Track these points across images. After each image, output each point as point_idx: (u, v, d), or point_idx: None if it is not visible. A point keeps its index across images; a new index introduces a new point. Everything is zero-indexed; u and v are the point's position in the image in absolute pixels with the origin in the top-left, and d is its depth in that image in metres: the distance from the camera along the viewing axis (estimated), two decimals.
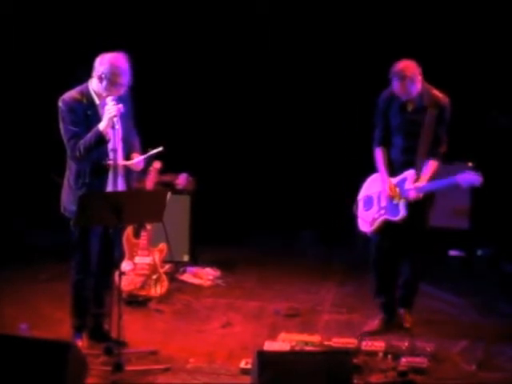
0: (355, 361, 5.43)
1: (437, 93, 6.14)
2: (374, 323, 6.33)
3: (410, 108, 6.13)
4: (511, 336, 6.28)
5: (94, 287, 5.89)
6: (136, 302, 6.90)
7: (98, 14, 9.17)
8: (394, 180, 6.20)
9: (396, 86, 6.04)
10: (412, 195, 6.05)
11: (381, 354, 5.74)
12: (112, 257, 5.74)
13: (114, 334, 5.59)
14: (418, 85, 6.04)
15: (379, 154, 6.28)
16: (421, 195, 6.06)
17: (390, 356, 5.72)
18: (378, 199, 6.29)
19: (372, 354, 5.75)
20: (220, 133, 9.52)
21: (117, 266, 5.79)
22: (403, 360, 5.57)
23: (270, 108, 9.55)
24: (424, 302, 7.03)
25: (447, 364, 5.73)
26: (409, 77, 5.98)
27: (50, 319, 6.40)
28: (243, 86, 9.46)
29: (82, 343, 5.77)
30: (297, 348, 5.79)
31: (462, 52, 8.91)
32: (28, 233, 8.79)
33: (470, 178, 5.90)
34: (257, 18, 9.46)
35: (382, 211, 6.25)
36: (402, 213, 6.13)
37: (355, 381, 5.08)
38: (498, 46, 8.81)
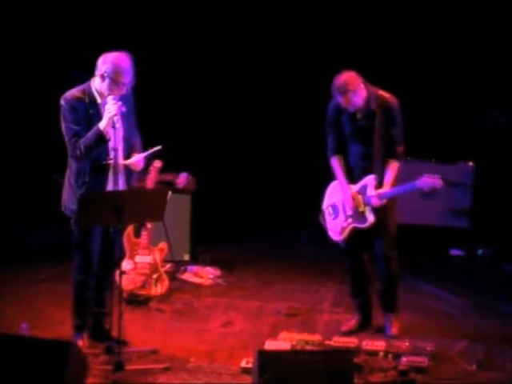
0: (356, 360, 5.42)
1: (384, 94, 6.07)
2: (351, 323, 6.33)
3: (359, 115, 6.07)
4: (511, 336, 6.28)
5: (94, 287, 5.89)
6: (136, 301, 6.90)
7: (98, 14, 9.17)
8: (355, 187, 6.14)
9: (340, 100, 6.00)
10: (375, 202, 6.00)
11: (381, 354, 5.74)
12: (112, 256, 5.74)
13: (114, 334, 5.58)
14: (361, 93, 5.97)
15: (336, 163, 6.22)
16: (384, 201, 6.01)
17: (390, 355, 5.72)
18: (343, 208, 6.22)
19: (372, 353, 5.75)
20: (220, 132, 9.53)
21: (117, 265, 5.79)
22: (403, 359, 5.57)
23: (269, 108, 9.57)
24: (424, 301, 7.05)
25: (447, 364, 5.73)
26: (351, 90, 5.93)
27: (50, 319, 6.40)
28: (243, 86, 9.47)
29: (82, 343, 5.77)
30: (297, 347, 5.79)
31: (461, 52, 8.92)
32: (28, 233, 8.78)
33: (429, 181, 5.87)
34: (257, 20, 9.47)
35: (350, 219, 6.18)
36: (370, 219, 6.08)
37: (356, 380, 5.08)
38: (497, 44, 8.81)
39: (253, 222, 9.24)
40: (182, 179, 8.06)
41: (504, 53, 8.81)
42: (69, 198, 5.70)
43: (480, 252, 8.66)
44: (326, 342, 5.90)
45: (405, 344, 5.83)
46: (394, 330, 6.19)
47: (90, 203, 5.41)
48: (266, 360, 4.88)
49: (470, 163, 8.64)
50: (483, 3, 8.84)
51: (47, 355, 4.78)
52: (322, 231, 9.07)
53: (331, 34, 9.26)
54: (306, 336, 5.97)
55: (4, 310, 6.54)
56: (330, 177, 8.98)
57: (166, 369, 5.52)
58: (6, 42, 9.08)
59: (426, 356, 5.65)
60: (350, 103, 5.98)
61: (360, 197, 6.11)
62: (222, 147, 9.54)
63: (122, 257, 6.66)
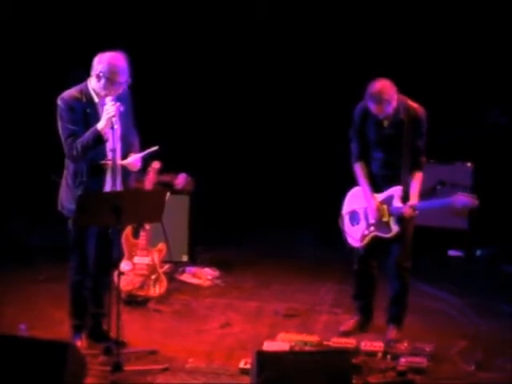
0: (354, 361, 5.43)
1: (412, 104, 6.04)
2: (349, 324, 6.31)
3: (386, 123, 6.02)
4: (510, 336, 6.28)
5: (92, 287, 5.89)
6: (135, 301, 6.90)
7: (96, 13, 9.18)
8: (380, 197, 6.09)
9: (373, 107, 5.94)
10: (408, 213, 5.93)
11: (380, 354, 5.75)
12: (110, 257, 5.74)
13: (113, 334, 5.59)
14: (394, 103, 5.93)
15: (359, 170, 6.16)
16: (417, 213, 5.96)
17: (389, 356, 5.73)
18: (365, 215, 6.17)
19: (371, 354, 5.75)
20: (219, 133, 9.53)
21: (116, 266, 5.79)
22: (402, 360, 5.58)
23: (268, 108, 9.57)
24: (423, 301, 7.05)
25: (446, 364, 5.73)
26: (386, 100, 5.88)
27: (50, 319, 6.40)
28: (242, 86, 9.47)
29: (81, 343, 5.77)
30: (296, 348, 5.79)
31: (462, 52, 8.92)
32: (28, 233, 8.78)
33: (464, 200, 5.82)
34: (256, 20, 9.47)
35: (372, 228, 6.14)
36: (395, 230, 6.03)
37: (354, 381, 5.09)
38: (498, 44, 8.81)
39: (251, 223, 9.24)
40: (181, 180, 8.06)
41: (505, 53, 8.80)
42: (66, 198, 5.69)
43: (479, 253, 8.66)
44: (325, 343, 5.91)
45: (403, 344, 5.83)
46: (392, 336, 6.11)
47: (88, 204, 5.41)
48: (265, 361, 4.88)
49: (469, 164, 8.64)
50: (483, 3, 8.84)
51: (46, 356, 4.78)
52: (321, 231, 9.17)
53: (331, 34, 9.26)
54: (304, 337, 5.97)
55: (3, 310, 6.55)
56: (329, 176, 9.05)
57: (165, 369, 5.52)
58: (5, 42, 9.07)
59: (424, 356, 5.66)
60: (383, 111, 5.93)
61: (385, 207, 6.05)
62: (220, 148, 9.54)
63: (120, 258, 6.66)
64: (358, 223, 6.25)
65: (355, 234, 6.25)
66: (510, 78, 8.75)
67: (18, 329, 5.77)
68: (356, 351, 5.73)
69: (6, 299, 6.81)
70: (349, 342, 5.88)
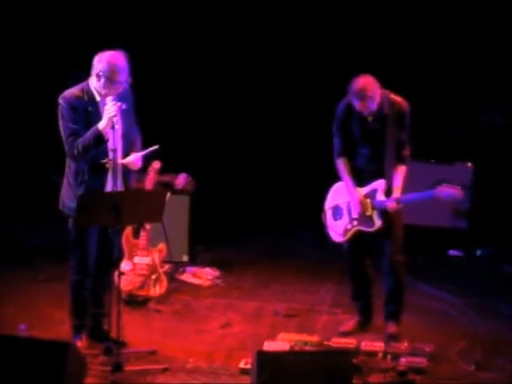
0: (354, 361, 5.42)
1: (396, 98, 6.05)
2: (350, 324, 6.31)
3: (370, 118, 6.05)
4: (510, 336, 6.29)
5: (92, 287, 5.89)
6: (135, 302, 6.90)
7: (97, 13, 9.17)
8: (363, 191, 6.11)
9: (357, 105, 5.96)
10: (392, 207, 5.94)
11: (380, 354, 5.75)
12: (111, 257, 5.74)
13: (113, 334, 5.59)
14: (377, 99, 5.95)
15: (342, 165, 6.18)
16: (401, 206, 5.97)
17: (389, 356, 5.73)
18: (348, 210, 6.19)
19: (371, 354, 5.75)
20: (219, 133, 9.53)
21: (116, 266, 5.79)
22: (402, 360, 5.58)
23: (268, 109, 9.57)
24: (423, 302, 7.05)
25: (446, 364, 5.73)
26: (369, 96, 5.90)
27: (50, 319, 6.40)
28: (242, 86, 9.47)
29: (81, 343, 5.77)
30: (296, 348, 5.79)
31: (462, 52, 8.92)
32: (28, 233, 8.78)
33: (449, 191, 5.82)
34: (257, 20, 9.47)
35: (355, 222, 6.15)
36: (377, 224, 6.04)
37: (354, 381, 5.08)
38: (498, 44, 8.81)
39: (251, 223, 9.24)
40: (181, 180, 8.06)
41: (505, 53, 8.80)
42: (68, 196, 5.70)
43: (479, 253, 8.66)
44: (325, 343, 5.91)
45: (404, 345, 5.83)
46: (392, 330, 6.14)
47: (89, 203, 5.41)
48: (265, 361, 4.88)
49: (469, 164, 8.64)
50: (483, 3, 8.84)
51: (46, 356, 4.78)
52: (320, 231, 9.17)
53: (331, 34, 9.26)
54: (304, 337, 5.97)
55: (3, 310, 6.55)
56: (329, 177, 9.03)
57: (165, 369, 5.52)
58: (5, 42, 9.07)
59: (424, 356, 5.65)
60: (366, 107, 5.96)
61: (368, 201, 6.07)
62: (220, 148, 9.54)
63: (120, 257, 6.66)
64: (340, 218, 6.27)
65: (338, 229, 6.27)
66: (510, 78, 8.74)
67: (18, 329, 5.77)
68: (356, 351, 5.73)
69: (6, 299, 6.81)
70: (349, 342, 5.87)
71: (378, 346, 5.82)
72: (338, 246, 7.96)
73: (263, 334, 6.22)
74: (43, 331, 5.94)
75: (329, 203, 6.37)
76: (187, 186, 8.10)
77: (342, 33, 9.21)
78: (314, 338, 5.96)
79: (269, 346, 5.77)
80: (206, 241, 8.35)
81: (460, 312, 6.92)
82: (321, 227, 9.08)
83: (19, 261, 7.95)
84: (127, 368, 5.42)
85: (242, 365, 5.52)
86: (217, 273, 7.80)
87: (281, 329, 6.24)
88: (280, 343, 5.85)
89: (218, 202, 9.08)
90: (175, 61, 9.42)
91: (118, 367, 5.37)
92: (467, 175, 8.56)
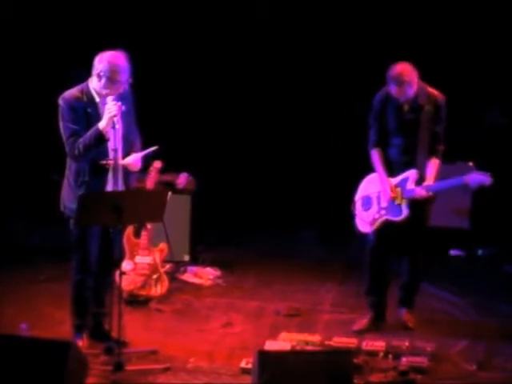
0: (356, 360, 5.42)
1: (432, 91, 6.13)
2: (363, 322, 6.32)
3: (406, 108, 6.11)
4: (511, 336, 6.28)
5: (94, 287, 5.89)
6: (136, 301, 6.90)
7: (97, 13, 9.17)
8: (394, 180, 6.18)
9: (394, 90, 6.03)
10: (422, 194, 6.01)
11: (381, 354, 5.75)
12: (112, 256, 5.74)
13: (114, 334, 5.58)
14: (414, 87, 6.03)
15: (376, 156, 6.24)
16: (431, 193, 6.04)
17: (390, 356, 5.73)
18: (378, 199, 6.26)
19: (372, 353, 5.75)
20: (220, 133, 9.53)
21: (117, 265, 5.79)
22: (403, 360, 5.58)
23: (269, 108, 9.56)
24: (424, 301, 7.03)
25: (447, 364, 5.73)
26: (407, 81, 5.97)
27: (50, 319, 6.40)
28: (243, 86, 9.47)
29: (82, 343, 5.77)
30: (297, 348, 5.79)
31: (462, 51, 8.91)
32: (28, 233, 8.78)
33: (478, 177, 5.88)
34: (256, 20, 9.46)
35: (383, 211, 6.22)
36: (405, 213, 6.11)
37: (356, 380, 5.08)
38: (498, 43, 8.81)
39: (253, 223, 9.24)
40: (182, 179, 8.06)
41: (506, 53, 8.80)
42: (68, 198, 5.69)
43: (480, 252, 8.66)
44: (326, 343, 5.90)
45: (405, 344, 5.83)
46: (409, 323, 6.24)
47: (89, 203, 5.41)
48: (266, 360, 4.88)
49: (470, 163, 8.62)
50: (484, 3, 8.83)
51: (47, 355, 4.78)
52: (321, 231, 9.17)
53: (332, 34, 9.25)
54: (306, 336, 5.98)
55: (4, 310, 6.54)
56: (329, 176, 9.05)
57: (166, 369, 5.52)
58: (6, 42, 9.07)
59: (425, 356, 5.65)
60: (404, 93, 6.01)
61: (399, 190, 6.13)
62: (221, 147, 9.54)
63: (121, 257, 6.66)
64: (369, 208, 6.31)
65: (366, 218, 6.30)
66: (510, 79, 8.74)
67: (19, 328, 5.76)
68: (357, 351, 5.73)
69: (7, 299, 6.81)
70: (350, 342, 5.87)
71: (379, 345, 5.82)
72: (338, 245, 8.01)
73: (264, 334, 6.22)
74: (44, 331, 5.93)
75: (359, 193, 6.42)
76: (188, 186, 8.10)
77: (342, 32, 9.20)
78: (316, 338, 5.96)
79: (270, 345, 5.78)
80: (207, 240, 8.35)
81: (461, 311, 6.92)
82: (321, 227, 9.16)
83: (19, 261, 7.94)
84: (128, 368, 5.42)
85: (243, 364, 5.51)
86: (218, 272, 7.79)
87: (282, 328, 6.23)
88: (281, 343, 5.85)
89: (220, 202, 9.08)
90: (176, 60, 9.41)
91: (119, 367, 5.37)
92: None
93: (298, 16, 9.38)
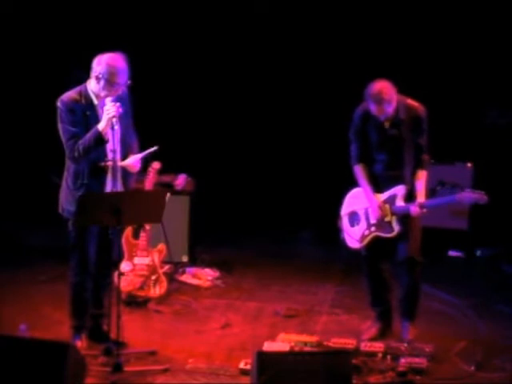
0: (354, 361, 5.42)
1: (412, 103, 6.03)
2: (371, 332, 6.24)
3: (387, 125, 6.02)
4: (510, 336, 6.29)
5: (92, 288, 5.89)
6: (135, 302, 6.90)
7: (96, 14, 9.18)
8: (382, 196, 6.08)
9: (373, 108, 5.94)
10: (416, 211, 5.90)
11: (380, 355, 5.74)
12: (110, 257, 5.74)
13: (113, 335, 5.59)
14: (394, 103, 5.93)
15: (360, 172, 6.14)
16: (425, 211, 5.93)
17: (389, 356, 5.73)
18: (366, 215, 6.16)
19: (371, 354, 5.75)
20: (219, 134, 9.53)
21: (116, 266, 5.79)
22: (402, 360, 5.58)
23: (268, 109, 9.56)
24: (423, 302, 6.99)
25: (446, 364, 5.74)
26: (386, 100, 5.87)
27: (50, 320, 6.40)
28: (242, 86, 9.46)
29: (81, 344, 5.77)
30: (296, 348, 5.80)
31: (462, 52, 8.92)
32: (28, 233, 8.78)
33: (472, 196, 5.82)
34: (256, 16, 9.45)
35: (373, 228, 6.13)
36: (397, 229, 6.02)
37: (354, 381, 5.08)
38: (498, 44, 8.81)
39: (252, 223, 9.24)
40: (181, 180, 8.06)
41: (506, 53, 8.80)
42: (66, 200, 5.70)
43: (479, 253, 8.66)
44: (325, 343, 5.91)
45: (403, 345, 5.83)
46: (409, 336, 6.10)
47: (88, 204, 5.41)
48: (265, 361, 4.88)
49: (469, 164, 8.64)
50: (484, 3, 8.84)
51: (46, 356, 4.78)
52: (320, 232, 9.17)
53: (331, 31, 9.24)
54: (304, 337, 5.98)
55: (3, 310, 6.54)
56: (328, 176, 9.05)
57: (165, 370, 5.53)
58: (4, 42, 9.08)
59: (424, 357, 5.66)
60: (383, 112, 5.93)
61: (387, 206, 6.04)
62: (220, 148, 9.54)
63: (120, 258, 6.66)
64: (358, 224, 6.23)
65: (355, 235, 6.23)
66: (510, 79, 8.74)
67: (18, 329, 5.76)
68: (356, 352, 5.73)
69: (6, 299, 6.81)
70: (349, 343, 5.88)
71: (378, 346, 5.82)
72: (338, 246, 7.98)
73: (263, 335, 6.22)
74: (43, 332, 5.94)
75: (345, 209, 6.32)
76: (187, 187, 8.10)
77: (342, 30, 9.19)
78: (314, 339, 5.96)
79: (269, 346, 5.78)
80: (205, 241, 8.35)
81: (460, 312, 6.92)
82: (321, 228, 9.16)
83: (19, 261, 7.95)
84: (127, 368, 5.43)
85: (241, 365, 5.52)
86: (217, 273, 7.80)
87: (281, 329, 6.23)
88: (280, 344, 5.86)
89: (218, 203, 9.08)
90: (175, 59, 9.41)
91: (117, 368, 5.37)
92: (467, 175, 8.57)
93: (298, 12, 9.35)
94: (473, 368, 5.64)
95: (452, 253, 8.72)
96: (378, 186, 6.11)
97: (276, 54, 9.44)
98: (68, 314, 5.95)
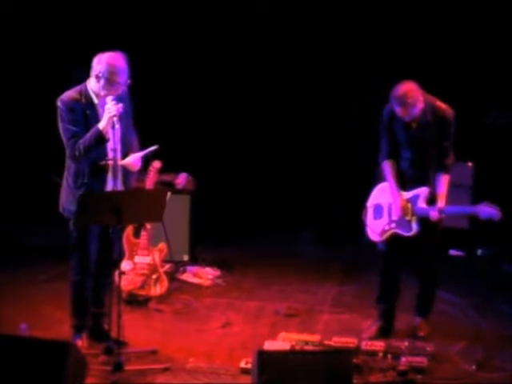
0: (355, 360, 5.42)
1: (440, 105, 6.04)
2: (372, 330, 6.26)
3: (414, 125, 6.03)
4: (511, 336, 6.29)
5: (93, 287, 5.90)
6: (136, 301, 6.90)
7: (96, 13, 9.17)
8: (406, 195, 6.11)
9: (398, 110, 5.96)
10: (435, 216, 5.95)
11: (381, 354, 5.75)
12: (111, 257, 5.74)
13: (113, 334, 5.58)
14: (419, 105, 5.94)
15: (388, 168, 6.17)
16: (443, 216, 5.98)
17: (389, 356, 5.73)
18: (389, 211, 6.19)
19: (372, 353, 5.75)
20: (220, 133, 9.52)
21: (117, 265, 5.79)
22: (403, 360, 5.58)
23: (269, 108, 9.55)
24: None
25: (447, 364, 5.74)
26: (410, 103, 5.88)
27: (50, 319, 6.40)
28: (242, 86, 9.46)
29: (81, 343, 5.78)
30: (297, 347, 5.79)
31: (462, 51, 8.91)
32: (28, 233, 8.78)
33: (489, 211, 5.87)
34: (256, 16, 9.44)
35: (393, 224, 6.16)
36: (415, 229, 6.06)
37: (355, 380, 5.09)
38: (498, 44, 8.80)
39: (252, 223, 9.23)
40: (182, 179, 8.06)
41: (506, 53, 8.80)
42: (67, 199, 5.70)
43: (479, 252, 8.66)
44: (326, 343, 5.91)
45: (404, 344, 5.84)
46: (421, 333, 6.18)
47: (89, 203, 5.41)
48: (266, 360, 4.88)
49: (470, 163, 8.63)
50: (484, 3, 8.83)
51: (46, 356, 4.78)
52: (321, 231, 9.17)
53: (332, 30, 9.23)
54: (305, 336, 5.98)
55: (3, 310, 6.54)
56: (328, 176, 9.05)
57: (166, 369, 5.53)
58: (4, 42, 9.07)
59: (425, 356, 5.66)
60: (408, 114, 5.94)
61: (410, 205, 6.07)
62: (221, 147, 9.53)
63: (121, 257, 6.66)
64: (380, 217, 6.26)
65: (376, 228, 6.26)
66: (510, 79, 8.74)
67: (19, 329, 5.76)
68: (357, 351, 5.73)
69: (6, 299, 6.81)
70: (350, 342, 5.88)
71: (379, 345, 5.82)
72: (338, 245, 8.00)
73: (264, 334, 6.22)
74: (43, 331, 5.94)
75: (371, 201, 6.36)
76: (188, 186, 8.10)
77: (342, 29, 9.17)
78: (315, 338, 5.96)
79: (269, 345, 5.78)
80: (206, 240, 8.35)
81: (461, 311, 6.92)
82: (321, 227, 9.15)
83: (19, 261, 7.94)
84: (128, 368, 5.43)
85: (242, 364, 5.52)
86: (217, 272, 7.79)
87: (281, 328, 6.24)
88: (281, 343, 5.86)
89: (219, 202, 9.07)
90: (175, 59, 9.40)
91: (118, 367, 5.37)
92: (467, 175, 8.56)
93: (299, 11, 9.34)
94: (473, 367, 5.65)
95: (453, 252, 8.72)
96: (404, 183, 6.15)
97: (276, 54, 9.43)
98: (68, 313, 5.95)
